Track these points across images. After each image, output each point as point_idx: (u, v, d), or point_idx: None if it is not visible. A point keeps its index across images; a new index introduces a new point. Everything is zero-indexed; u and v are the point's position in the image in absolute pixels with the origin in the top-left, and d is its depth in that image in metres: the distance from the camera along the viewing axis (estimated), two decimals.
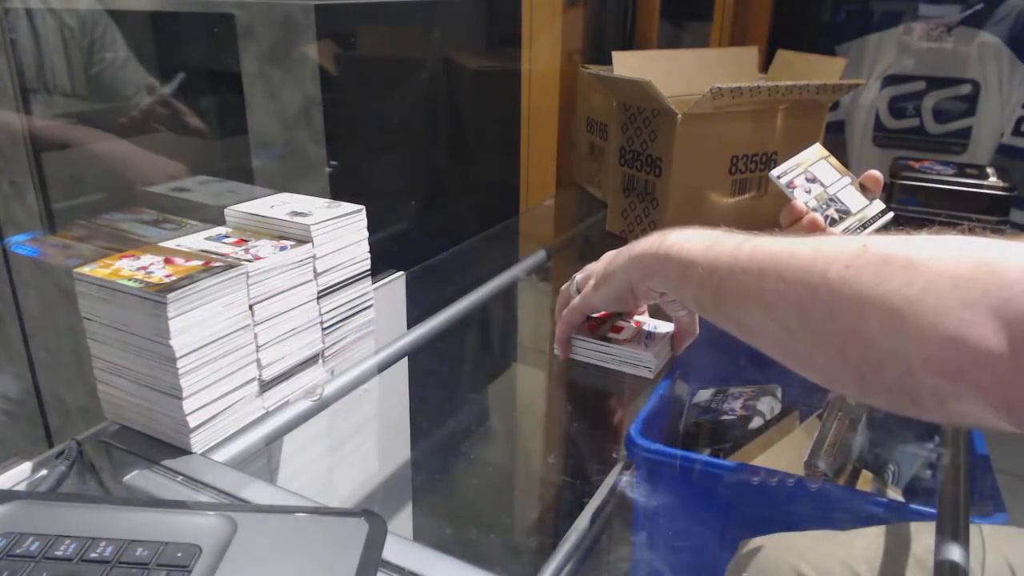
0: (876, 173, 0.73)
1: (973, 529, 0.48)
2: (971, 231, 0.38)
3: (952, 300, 0.35)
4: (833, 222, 0.70)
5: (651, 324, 0.75)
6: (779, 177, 0.74)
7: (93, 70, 0.81)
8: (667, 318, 0.74)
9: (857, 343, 0.39)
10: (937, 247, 0.37)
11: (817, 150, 0.76)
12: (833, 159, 0.76)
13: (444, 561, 0.45)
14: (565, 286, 0.72)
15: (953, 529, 0.46)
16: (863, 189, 0.73)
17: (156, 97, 0.86)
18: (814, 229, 0.69)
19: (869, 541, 0.55)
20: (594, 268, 0.67)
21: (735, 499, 0.65)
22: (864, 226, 0.70)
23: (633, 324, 0.75)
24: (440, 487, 0.85)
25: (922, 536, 0.54)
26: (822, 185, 0.73)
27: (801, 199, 0.71)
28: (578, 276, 0.70)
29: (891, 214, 0.71)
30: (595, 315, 0.75)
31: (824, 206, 0.71)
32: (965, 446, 0.58)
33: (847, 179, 0.74)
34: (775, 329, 0.44)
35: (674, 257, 0.52)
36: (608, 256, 0.65)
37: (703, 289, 0.50)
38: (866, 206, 0.71)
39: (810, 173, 0.74)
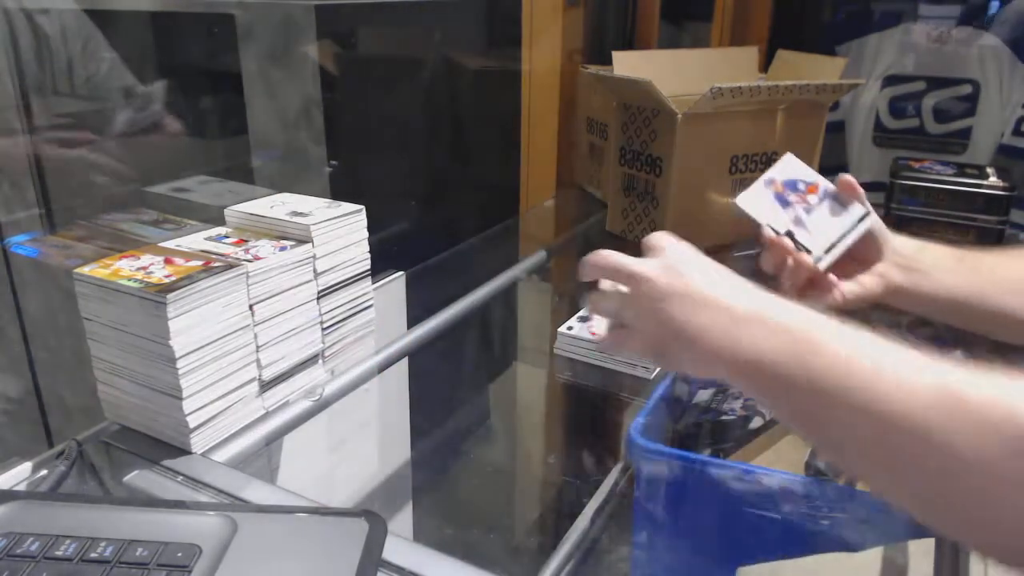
0: (847, 178, 0.68)
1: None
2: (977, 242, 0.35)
3: None
4: (803, 244, 0.68)
5: None
6: (745, 204, 0.70)
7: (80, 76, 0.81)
8: None
9: (1009, 531, 0.34)
10: None
11: (788, 163, 0.73)
12: (806, 169, 0.73)
13: (444, 561, 0.45)
14: (597, 300, 0.56)
15: (953, 550, 0.46)
16: (839, 197, 0.70)
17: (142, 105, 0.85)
18: (783, 254, 0.67)
19: (868, 566, 0.54)
20: (628, 313, 0.52)
21: (735, 499, 0.65)
22: (841, 237, 0.68)
23: None
24: (440, 487, 0.85)
25: (920, 561, 0.53)
26: (793, 202, 0.70)
27: (772, 222, 0.68)
28: (611, 305, 0.54)
29: (872, 217, 0.69)
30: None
31: (797, 226, 0.68)
32: None
33: (822, 188, 0.71)
34: (906, 498, 0.38)
35: (759, 375, 0.42)
36: (652, 311, 0.48)
37: (800, 419, 0.42)
38: (842, 217, 0.69)
39: (780, 190, 0.71)
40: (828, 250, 0.67)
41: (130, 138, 0.86)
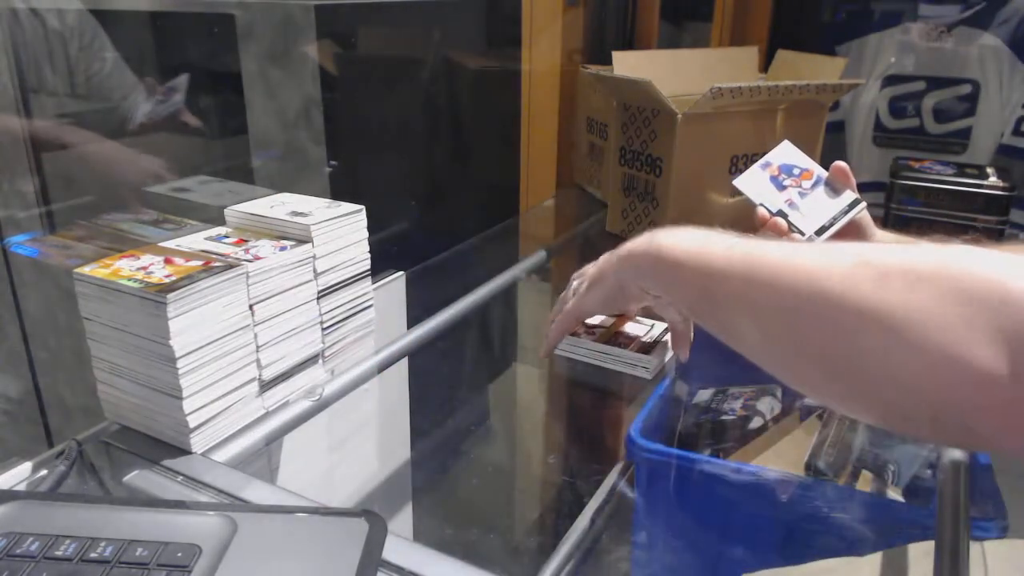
0: (841, 165, 0.72)
1: (974, 547, 0.48)
2: (976, 240, 0.37)
3: (953, 318, 0.33)
4: (795, 225, 0.70)
5: (650, 326, 0.75)
6: (742, 184, 0.73)
7: (82, 75, 0.81)
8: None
9: (850, 358, 0.37)
10: (939, 260, 0.35)
11: (784, 149, 0.76)
12: (801, 156, 0.75)
13: (444, 561, 0.45)
14: (564, 293, 0.72)
15: (952, 551, 0.46)
16: (832, 183, 0.72)
17: (163, 100, 0.86)
18: (776, 233, 0.69)
19: (871, 571, 0.54)
20: (588, 271, 0.66)
21: (735, 499, 0.65)
22: (832, 222, 0.70)
23: (631, 327, 0.75)
24: (440, 487, 0.85)
25: (922, 561, 0.53)
26: (788, 186, 0.73)
27: (767, 203, 0.71)
28: (574, 281, 0.69)
29: (862, 205, 0.71)
30: (593, 321, 0.75)
31: (790, 208, 0.71)
32: None
33: (816, 174, 0.73)
34: (763, 338, 0.43)
35: (665, 257, 0.51)
36: (603, 258, 0.64)
37: (693, 291, 0.49)
38: (834, 202, 0.71)
39: (776, 173, 0.74)
40: (819, 232, 0.69)
41: (132, 137, 0.86)
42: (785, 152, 0.75)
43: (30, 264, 0.79)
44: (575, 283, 0.69)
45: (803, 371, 0.41)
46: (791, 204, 0.71)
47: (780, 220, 0.70)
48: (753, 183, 0.73)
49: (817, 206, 0.71)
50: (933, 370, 0.33)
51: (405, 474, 0.84)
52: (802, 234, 0.69)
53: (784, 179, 0.72)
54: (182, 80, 0.87)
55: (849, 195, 0.71)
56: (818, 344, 0.39)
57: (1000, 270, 0.33)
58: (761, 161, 0.74)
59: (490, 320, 0.97)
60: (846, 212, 0.70)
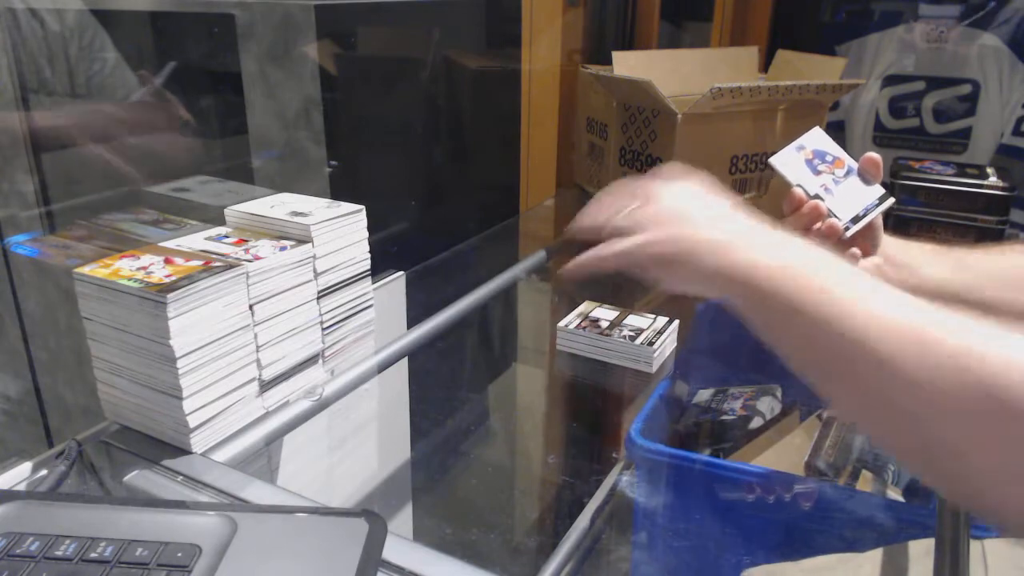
0: (874, 156, 0.71)
1: (974, 546, 0.48)
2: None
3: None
4: (832, 211, 0.69)
5: (653, 319, 0.75)
6: (779, 163, 0.72)
7: (82, 75, 0.82)
8: (672, 312, 0.73)
9: (941, 458, 0.36)
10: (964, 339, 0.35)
11: (816, 135, 0.75)
12: (832, 143, 0.74)
13: (444, 561, 0.45)
14: (605, 212, 0.55)
15: (953, 549, 0.46)
16: (863, 174, 0.72)
17: (148, 91, 0.86)
18: (816, 217, 0.68)
19: (871, 568, 0.54)
20: (646, 216, 0.52)
21: (735, 499, 0.65)
22: (865, 212, 0.69)
23: (636, 320, 0.75)
24: (440, 487, 0.85)
25: (922, 559, 0.53)
26: (822, 172, 0.72)
27: (804, 184, 0.70)
28: (623, 217, 0.54)
29: (891, 200, 0.71)
30: (598, 312, 0.75)
31: (826, 192, 0.70)
32: None
33: (848, 164, 0.73)
34: (857, 410, 0.42)
35: (749, 293, 0.45)
36: (672, 215, 0.51)
37: (783, 340, 0.44)
38: (866, 193, 0.71)
39: (811, 157, 0.73)
40: (853, 221, 0.68)
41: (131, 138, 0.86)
42: (817, 138, 0.74)
43: (30, 264, 0.79)
44: (622, 223, 0.53)
45: (890, 444, 0.41)
46: (826, 189, 0.70)
47: (819, 203, 0.68)
48: (789, 163, 0.71)
49: (851, 195, 0.70)
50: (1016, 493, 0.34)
51: (405, 474, 0.84)
52: (838, 219, 0.68)
53: (818, 164, 0.71)
54: (166, 69, 0.87)
55: (879, 188, 0.70)
56: (909, 439, 0.38)
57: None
58: (795, 143, 0.73)
59: (490, 320, 0.97)
60: (877, 205, 0.69)
